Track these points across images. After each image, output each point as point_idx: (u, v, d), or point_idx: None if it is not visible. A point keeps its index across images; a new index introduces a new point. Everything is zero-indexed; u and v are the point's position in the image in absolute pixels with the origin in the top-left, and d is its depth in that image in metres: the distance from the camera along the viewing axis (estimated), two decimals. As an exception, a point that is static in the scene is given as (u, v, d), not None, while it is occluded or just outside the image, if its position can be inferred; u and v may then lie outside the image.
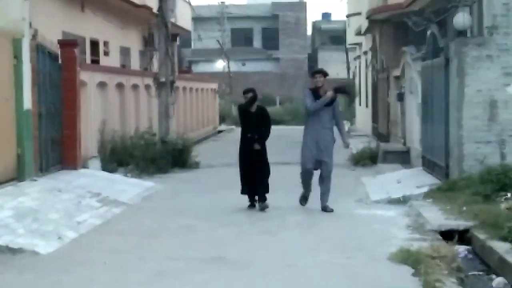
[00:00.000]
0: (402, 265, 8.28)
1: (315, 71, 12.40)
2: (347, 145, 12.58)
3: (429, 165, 15.49)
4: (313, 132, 11.98)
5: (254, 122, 12.38)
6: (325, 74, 12.19)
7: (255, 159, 12.32)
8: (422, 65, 16.62)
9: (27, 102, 13.33)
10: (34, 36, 13.83)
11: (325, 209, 11.97)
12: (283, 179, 16.81)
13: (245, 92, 12.45)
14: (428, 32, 15.78)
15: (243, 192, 12.56)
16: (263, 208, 12.19)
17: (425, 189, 13.30)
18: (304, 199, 12.45)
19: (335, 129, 12.18)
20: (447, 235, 10.00)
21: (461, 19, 13.69)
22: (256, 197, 12.46)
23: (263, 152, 12.41)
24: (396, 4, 23.19)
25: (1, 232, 9.40)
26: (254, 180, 12.32)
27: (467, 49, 13.33)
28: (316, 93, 12.00)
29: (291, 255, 8.98)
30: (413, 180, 14.85)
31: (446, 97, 13.86)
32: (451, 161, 13.60)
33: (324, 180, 12.08)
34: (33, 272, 8.17)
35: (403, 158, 19.02)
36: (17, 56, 13.05)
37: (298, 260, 8.75)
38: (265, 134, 12.44)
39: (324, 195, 12.09)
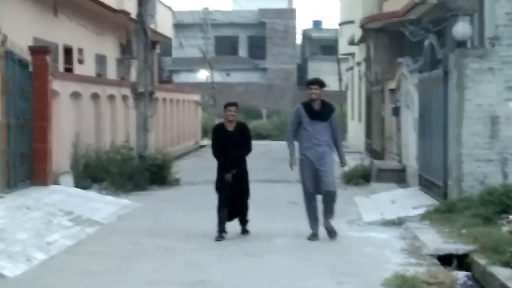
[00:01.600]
0: (397, 291, 8.29)
1: (310, 82, 11.80)
2: (344, 164, 12.21)
3: (426, 185, 15.53)
4: (308, 150, 11.53)
5: (234, 143, 11.75)
6: (321, 84, 11.67)
7: (237, 183, 11.80)
8: (419, 78, 16.70)
9: (-5, 112, 13.28)
10: (3, 42, 13.83)
11: (328, 231, 11.52)
12: (271, 198, 16.84)
13: (225, 106, 11.96)
14: (426, 43, 15.87)
15: (220, 214, 11.82)
16: (246, 232, 12.04)
17: (421, 210, 13.32)
18: (313, 236, 11.54)
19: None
20: (445, 260, 10.01)
21: (461, 29, 13.77)
22: (234, 221, 12.03)
23: (245, 174, 11.97)
24: (391, 12, 23.35)
25: (-36, 253, 9.34)
26: (234, 203, 11.86)
27: (467, 61, 13.40)
28: (309, 107, 11.55)
29: (279, 280, 8.97)
30: (409, 201, 14.88)
31: (444, 112, 13.92)
32: (450, 180, 13.64)
33: (327, 202, 11.59)
34: (-1, 297, 8.12)
35: (398, 176, 19.06)
36: (-15, 63, 13.02)
37: (285, 285, 8.75)
38: (245, 154, 11.94)
39: (328, 212, 11.60)
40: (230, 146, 11.72)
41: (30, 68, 15.24)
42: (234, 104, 11.94)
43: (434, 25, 17.59)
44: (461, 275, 9.59)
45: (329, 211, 11.61)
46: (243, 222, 12.07)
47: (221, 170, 11.83)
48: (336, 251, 10.77)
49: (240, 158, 11.85)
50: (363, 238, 11.86)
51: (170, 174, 19.82)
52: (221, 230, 11.72)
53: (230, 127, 11.83)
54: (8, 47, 14.12)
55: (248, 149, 11.90)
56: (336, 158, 11.86)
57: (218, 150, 11.82)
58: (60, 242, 11.01)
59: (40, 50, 15.91)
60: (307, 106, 11.61)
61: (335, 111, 11.97)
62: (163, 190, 18.67)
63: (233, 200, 11.85)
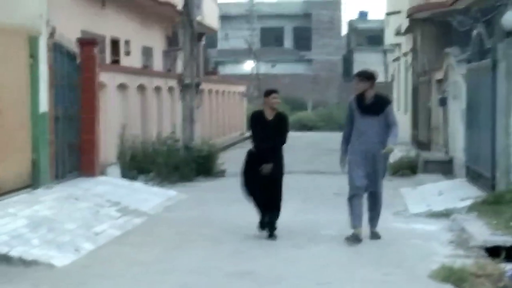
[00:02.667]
0: (444, 283, 8.23)
1: (355, 74, 11.04)
2: (389, 150, 10.72)
3: (473, 176, 15.37)
4: (359, 144, 10.71)
5: (272, 133, 10.97)
6: (368, 77, 10.74)
7: (268, 180, 10.93)
8: (467, 68, 16.52)
9: (43, 104, 13.44)
10: (51, 34, 13.95)
11: (371, 236, 10.90)
12: (316, 189, 16.83)
13: (268, 93, 11.19)
14: (474, 32, 15.69)
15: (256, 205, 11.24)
16: (273, 237, 11.00)
17: (469, 202, 13.19)
18: (355, 238, 10.70)
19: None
20: (493, 251, 9.89)
21: (511, 18, 13.58)
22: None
23: (280, 169, 11.07)
24: (439, 2, 23.10)
25: (14, 243, 9.48)
26: (266, 201, 11.05)
27: (516, 51, 13.23)
28: (361, 101, 10.71)
29: (324, 271, 8.97)
30: (456, 192, 14.75)
31: (493, 103, 13.76)
32: (498, 172, 13.48)
33: (372, 203, 11.01)
34: (48, 286, 8.23)
35: (445, 168, 18.90)
36: (34, 56, 13.17)
37: (331, 276, 8.74)
38: (279, 146, 11.07)
39: (373, 221, 11.02)
40: (266, 136, 10.93)
41: (78, 60, 15.38)
42: (276, 91, 11.17)
43: (482, 15, 17.37)
44: (509, 267, 9.45)
45: (374, 216, 10.99)
46: (271, 224, 11.06)
47: (253, 162, 11.07)
48: (382, 242, 10.72)
49: (275, 149, 11.00)
50: (409, 229, 11.79)
51: (216, 165, 19.87)
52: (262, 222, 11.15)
53: (270, 116, 11.04)
54: (57, 39, 14.26)
55: (282, 140, 11.04)
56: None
57: (258, 138, 11.07)
58: (107, 232, 11.12)
59: (88, 42, 16.03)
60: (359, 99, 10.75)
61: (390, 103, 11.06)
62: (208, 181, 18.74)
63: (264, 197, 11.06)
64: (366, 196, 10.98)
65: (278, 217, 11.06)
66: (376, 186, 10.86)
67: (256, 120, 11.16)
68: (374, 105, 10.71)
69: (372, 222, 11.02)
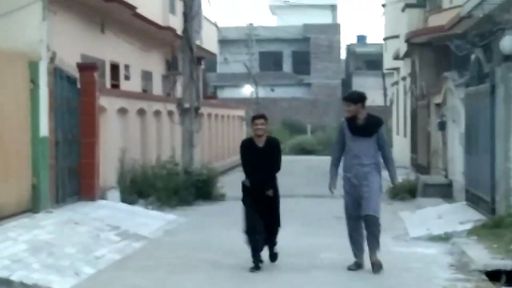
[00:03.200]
0: (444, 307, 8.23)
1: (343, 98, 10.77)
2: (394, 184, 11.15)
3: (473, 200, 15.38)
4: (350, 170, 10.39)
5: (264, 160, 10.53)
6: (356, 100, 10.38)
7: (266, 208, 10.63)
8: (465, 92, 16.58)
9: (44, 128, 13.48)
10: (51, 59, 14.02)
11: (373, 266, 10.27)
12: (316, 213, 16.83)
13: (255, 118, 10.69)
14: (472, 57, 15.76)
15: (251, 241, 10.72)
16: (275, 259, 10.91)
17: (469, 226, 13.20)
18: (357, 267, 10.48)
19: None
20: (494, 275, 9.90)
21: (508, 42, 13.65)
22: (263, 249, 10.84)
23: (276, 198, 10.75)
24: (437, 26, 23.22)
25: (15, 267, 9.47)
26: (264, 230, 10.66)
27: (515, 75, 13.28)
28: (352, 122, 10.39)
29: (324, 295, 8.96)
30: (455, 216, 14.75)
31: (491, 126, 13.80)
32: (498, 195, 13.49)
33: (369, 228, 10.39)
34: (48, 310, 8.22)
35: (444, 191, 18.90)
36: (34, 80, 13.24)
37: (331, 300, 8.73)
38: (273, 173, 10.72)
39: (372, 247, 10.38)
40: (258, 164, 10.51)
41: (78, 85, 15.44)
42: (261, 117, 10.64)
43: (480, 39, 17.41)
44: (509, 291, 9.49)
45: (372, 241, 10.34)
46: (275, 257, 10.93)
47: (248, 191, 10.72)
48: (383, 266, 10.70)
49: (269, 177, 10.62)
50: (409, 253, 11.78)
51: (216, 189, 19.88)
52: (256, 259, 10.62)
53: (260, 143, 10.58)
54: (57, 64, 14.33)
55: (276, 167, 10.66)
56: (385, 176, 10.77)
57: (249, 168, 10.68)
58: (107, 257, 11.12)
59: (87, 66, 16.11)
60: (350, 120, 10.41)
61: (382, 125, 10.62)
62: (208, 205, 18.73)
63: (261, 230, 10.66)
64: (363, 221, 10.44)
65: (276, 239, 10.87)
66: (369, 209, 10.26)
67: (246, 149, 10.72)
68: (366, 126, 10.38)
69: (372, 249, 10.37)
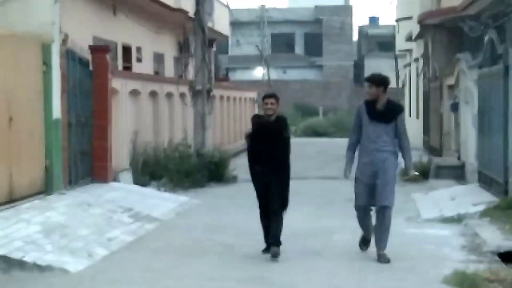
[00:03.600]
0: (457, 289, 8.23)
1: (366, 79, 10.16)
2: (409, 179, 10.75)
3: (486, 181, 15.35)
4: (366, 155, 9.90)
5: (271, 139, 10.18)
6: (379, 82, 9.88)
7: (272, 186, 10.15)
8: (478, 73, 16.51)
9: (56, 111, 13.50)
10: (64, 41, 14.02)
11: (379, 258, 9.78)
12: (328, 195, 16.83)
13: (265, 97, 10.28)
14: (485, 38, 15.67)
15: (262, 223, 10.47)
16: (275, 255, 9.96)
17: (481, 207, 13.18)
18: (364, 243, 10.34)
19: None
20: (506, 257, 9.89)
21: (522, 23, 13.59)
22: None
23: (284, 179, 10.26)
24: (450, 8, 23.10)
25: (28, 249, 9.53)
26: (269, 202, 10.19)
27: (528, 56, 13.22)
28: (372, 107, 9.87)
29: (337, 276, 8.97)
30: (468, 197, 14.73)
31: (505, 108, 13.75)
32: (510, 177, 13.46)
33: (380, 219, 9.89)
34: (62, 291, 8.27)
35: (457, 173, 18.88)
36: (46, 63, 13.24)
37: (344, 281, 8.74)
38: (286, 154, 10.29)
39: (380, 240, 9.86)
40: (266, 137, 10.18)
41: (90, 67, 15.45)
42: (272, 96, 10.25)
43: (493, 20, 17.35)
44: (522, 273, 9.47)
45: (382, 236, 9.84)
46: (274, 239, 10.06)
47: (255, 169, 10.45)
48: (395, 248, 10.68)
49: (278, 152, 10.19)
50: (422, 235, 11.78)
51: (228, 172, 19.89)
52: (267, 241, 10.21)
53: (269, 119, 10.24)
54: (69, 46, 14.34)
55: (285, 145, 10.30)
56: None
57: (255, 139, 10.34)
58: (120, 238, 11.16)
59: (100, 49, 16.11)
60: (369, 105, 9.90)
61: (402, 112, 10.16)
62: (220, 187, 18.76)
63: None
64: (375, 211, 10.01)
65: (281, 226, 10.07)
66: (384, 199, 9.77)
67: (255, 125, 10.46)
68: (386, 112, 9.86)
69: (379, 243, 9.85)
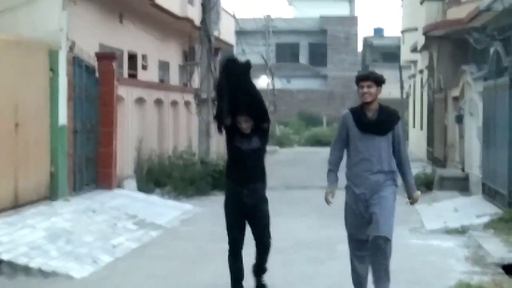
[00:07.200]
0: (461, 300, 8.23)
1: (360, 77, 7.82)
2: (414, 201, 8.07)
3: (490, 193, 15.34)
4: (356, 177, 7.77)
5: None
6: (377, 80, 7.70)
7: (250, 210, 8.51)
8: (483, 85, 16.52)
9: (62, 117, 13.55)
10: (71, 48, 14.10)
11: None
12: (334, 204, 16.78)
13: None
14: (491, 50, 15.69)
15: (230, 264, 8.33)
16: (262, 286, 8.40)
17: (485, 219, 13.17)
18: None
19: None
20: (510, 269, 9.89)
21: (528, 36, 13.61)
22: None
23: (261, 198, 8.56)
24: (455, 19, 23.09)
25: (33, 254, 9.55)
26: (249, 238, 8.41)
27: (534, 69, 13.24)
28: (361, 115, 7.74)
29: (340, 286, 8.96)
30: (472, 209, 14.72)
31: (509, 120, 13.75)
32: (515, 189, 13.47)
33: (376, 256, 7.61)
34: (66, 297, 8.28)
35: (461, 185, 18.86)
36: (53, 69, 13.31)
37: (348, 291, 8.73)
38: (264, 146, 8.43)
39: (379, 280, 7.63)
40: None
41: (96, 74, 15.49)
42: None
43: (499, 33, 17.35)
44: (526, 285, 9.47)
45: (379, 275, 7.59)
46: (259, 270, 8.42)
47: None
48: (399, 259, 10.66)
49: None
50: (426, 246, 11.78)
51: (232, 180, 19.85)
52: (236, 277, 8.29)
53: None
54: (76, 53, 14.39)
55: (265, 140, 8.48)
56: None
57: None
58: (125, 245, 11.18)
59: (106, 56, 16.16)
60: (357, 112, 7.79)
61: (400, 119, 7.89)
62: (224, 195, 18.70)
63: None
64: (370, 244, 7.65)
65: (267, 257, 8.43)
66: (381, 228, 7.56)
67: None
68: (380, 121, 7.69)
69: (377, 282, 7.63)
